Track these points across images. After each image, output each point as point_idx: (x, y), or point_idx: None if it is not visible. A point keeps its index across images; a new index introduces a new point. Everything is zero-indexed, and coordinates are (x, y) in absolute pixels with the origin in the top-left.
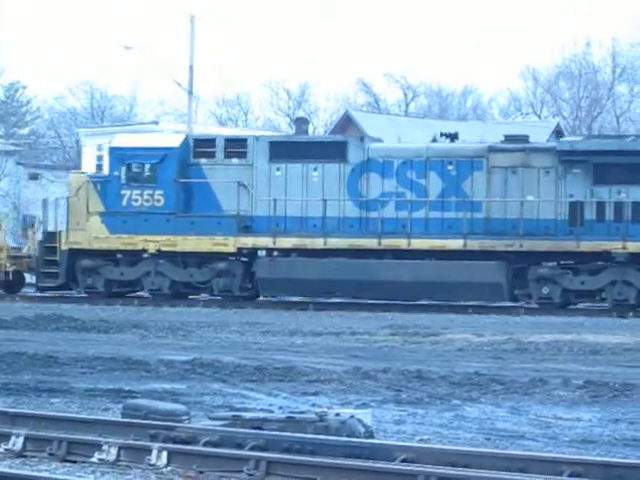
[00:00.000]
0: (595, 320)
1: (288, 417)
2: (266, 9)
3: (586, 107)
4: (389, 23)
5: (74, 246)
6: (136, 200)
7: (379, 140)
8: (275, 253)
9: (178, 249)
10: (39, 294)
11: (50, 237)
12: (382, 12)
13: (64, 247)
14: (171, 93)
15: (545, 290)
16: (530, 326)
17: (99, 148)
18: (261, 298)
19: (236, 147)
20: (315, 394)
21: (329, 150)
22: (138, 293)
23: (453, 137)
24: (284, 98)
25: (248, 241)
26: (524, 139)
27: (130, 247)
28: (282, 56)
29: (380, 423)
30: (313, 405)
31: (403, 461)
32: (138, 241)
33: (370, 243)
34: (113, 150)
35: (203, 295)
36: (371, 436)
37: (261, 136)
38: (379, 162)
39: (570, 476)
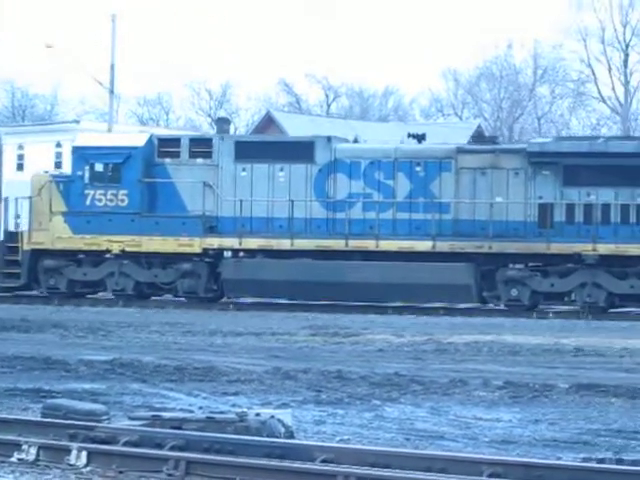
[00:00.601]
0: (514, 321)
1: (208, 417)
2: (187, 8)
3: (507, 108)
4: (311, 24)
5: (36, 246)
6: (100, 200)
7: (346, 140)
8: (241, 254)
9: (142, 249)
10: None
11: (11, 237)
12: (303, 12)
13: (26, 247)
14: (92, 92)
15: (514, 292)
16: (450, 327)
17: (20, 147)
18: (225, 299)
19: (201, 147)
20: (235, 394)
21: (296, 150)
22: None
23: (420, 138)
24: (205, 98)
25: (214, 242)
26: (493, 140)
27: (94, 247)
28: (203, 56)
29: (300, 423)
30: (233, 405)
31: (323, 461)
32: (102, 241)
33: (337, 244)
34: (76, 149)
35: (167, 296)
36: (291, 436)
37: (227, 136)
38: (346, 163)
39: (490, 476)
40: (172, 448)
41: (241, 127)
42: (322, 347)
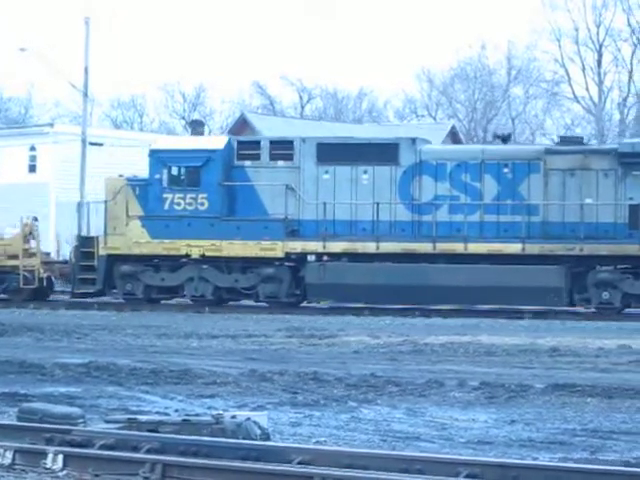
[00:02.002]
0: (490, 322)
1: (184, 420)
2: (161, 11)
3: (481, 109)
4: (284, 26)
5: (113, 251)
6: (178, 204)
7: (428, 142)
8: (325, 258)
9: (223, 254)
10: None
11: (86, 242)
12: (277, 14)
13: (102, 252)
14: (66, 95)
15: (605, 295)
16: (426, 328)
17: None
18: (305, 304)
19: (282, 149)
20: (211, 397)
21: (380, 152)
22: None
23: (506, 139)
24: (179, 101)
25: (297, 245)
26: (579, 141)
27: (172, 252)
28: (177, 58)
29: (276, 425)
30: (209, 408)
31: (299, 463)
32: (181, 246)
33: (424, 247)
34: (154, 152)
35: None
36: (267, 438)
37: (308, 138)
38: (432, 164)
39: (466, 477)
40: (148, 451)
41: (215, 129)
42: (298, 349)
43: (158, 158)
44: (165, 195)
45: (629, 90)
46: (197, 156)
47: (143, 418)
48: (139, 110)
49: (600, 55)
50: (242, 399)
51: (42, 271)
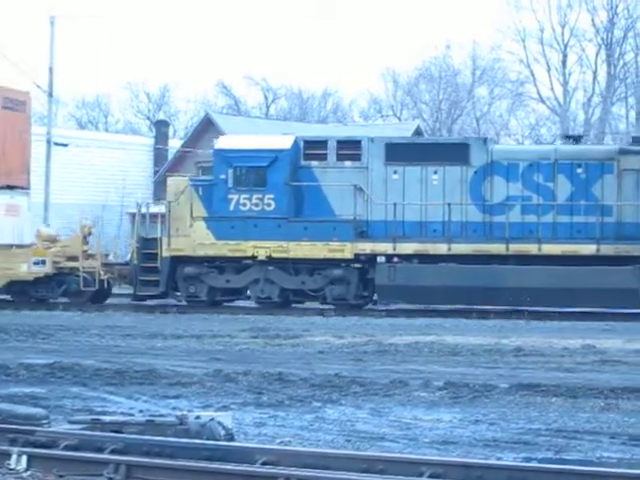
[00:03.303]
0: (455, 321)
1: (148, 420)
2: (124, 10)
3: (446, 109)
4: (249, 25)
5: (177, 253)
6: (244, 204)
7: (496, 142)
8: (395, 259)
9: (290, 255)
10: None
11: (148, 243)
12: (242, 14)
13: (166, 254)
14: (31, 95)
15: None
16: (390, 328)
17: None
18: (370, 305)
19: (349, 149)
20: (176, 397)
21: (450, 152)
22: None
23: (578, 139)
24: (144, 101)
25: (366, 247)
26: None
27: (238, 254)
28: (142, 58)
29: (241, 426)
30: (174, 408)
31: (264, 463)
32: (247, 247)
33: (497, 248)
34: (218, 152)
35: (310, 303)
36: (231, 439)
37: (377, 138)
38: (503, 164)
39: (430, 477)
40: (112, 452)
41: (180, 130)
42: (263, 349)
43: (223, 158)
44: (230, 195)
45: (594, 90)
46: (263, 156)
47: (107, 419)
48: (104, 110)
49: (565, 55)
50: (207, 399)
51: (103, 273)
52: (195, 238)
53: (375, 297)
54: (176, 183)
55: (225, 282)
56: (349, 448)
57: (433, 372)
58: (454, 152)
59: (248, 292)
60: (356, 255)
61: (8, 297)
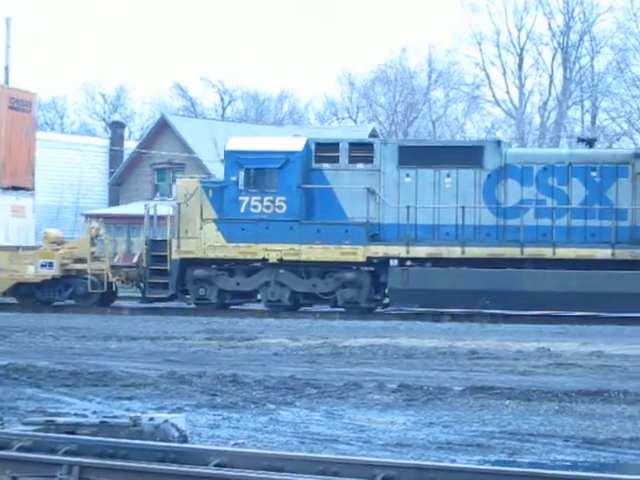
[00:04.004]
0: (409, 324)
1: (102, 422)
2: (80, 11)
3: (402, 112)
4: (206, 27)
5: (186, 255)
6: (255, 207)
7: (509, 145)
8: (408, 262)
9: (302, 258)
10: None
11: (157, 246)
12: (198, 15)
13: (175, 256)
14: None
15: None
16: (345, 330)
17: None
18: (379, 309)
19: (361, 151)
20: (130, 399)
21: (463, 155)
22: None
23: (591, 142)
24: (100, 102)
25: (379, 250)
26: None
27: (249, 256)
28: (98, 59)
29: (195, 427)
30: (127, 410)
31: (217, 465)
32: (258, 250)
33: (512, 252)
34: (229, 154)
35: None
36: (185, 440)
37: (389, 140)
38: (517, 168)
39: (383, 479)
40: (66, 453)
41: (136, 131)
42: (217, 351)
43: (234, 159)
44: (241, 198)
45: (550, 94)
46: (275, 158)
47: (61, 420)
48: (59, 111)
49: (521, 59)
50: (161, 401)
51: (111, 275)
52: (205, 240)
53: (386, 301)
54: (185, 184)
55: (235, 285)
56: (303, 450)
57: (387, 375)
58: (467, 155)
59: (258, 295)
60: (368, 258)
61: (14, 300)
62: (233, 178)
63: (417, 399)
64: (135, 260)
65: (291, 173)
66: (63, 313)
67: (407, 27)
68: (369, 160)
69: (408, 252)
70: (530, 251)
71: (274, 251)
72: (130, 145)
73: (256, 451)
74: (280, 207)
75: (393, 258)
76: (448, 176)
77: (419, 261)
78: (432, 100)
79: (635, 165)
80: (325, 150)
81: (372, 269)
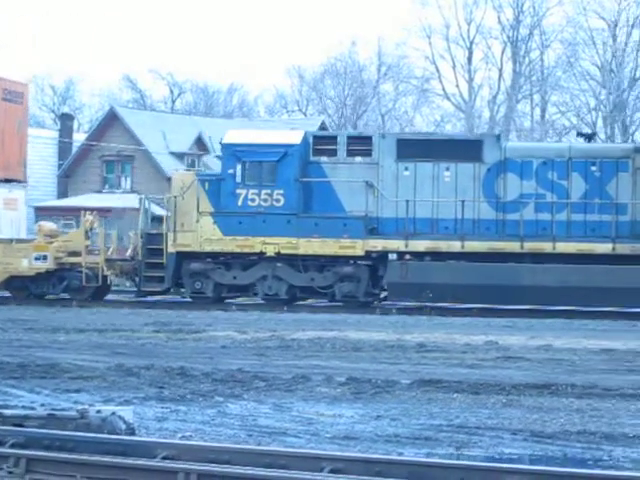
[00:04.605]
0: (358, 317)
1: (49, 414)
2: (29, 2)
3: (351, 105)
4: (155, 19)
5: (182, 249)
6: (253, 200)
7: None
8: (407, 256)
9: (300, 252)
10: None
11: (153, 239)
12: (148, 7)
13: (171, 249)
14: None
15: None
16: (293, 323)
17: None
18: (377, 303)
19: (360, 145)
20: (77, 391)
21: (463, 149)
22: None
23: (590, 137)
24: (49, 94)
25: (377, 244)
26: None
27: (246, 249)
28: (47, 51)
29: (142, 420)
30: (75, 402)
31: (164, 458)
32: (255, 243)
33: (511, 246)
34: (227, 146)
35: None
36: (132, 433)
37: (388, 134)
38: (517, 162)
39: (330, 472)
40: (13, 445)
41: (85, 123)
42: (165, 344)
43: (232, 152)
44: (239, 191)
45: (499, 87)
46: (273, 151)
47: (8, 412)
48: None
49: (470, 52)
50: (108, 394)
51: (106, 269)
52: (202, 233)
53: (383, 294)
54: (181, 178)
55: (232, 278)
56: (251, 443)
57: (335, 367)
58: (467, 149)
59: (255, 289)
60: (367, 252)
61: (7, 293)
62: (230, 171)
63: (365, 392)
64: (129, 253)
65: (289, 166)
66: (9, 305)
67: (357, 20)
68: (367, 153)
69: (407, 246)
70: (530, 246)
71: (272, 244)
72: (79, 137)
73: (203, 444)
74: (278, 200)
75: (392, 252)
76: (447, 170)
77: (418, 255)
78: (381, 93)
79: (635, 159)
80: (323, 143)
81: (370, 263)
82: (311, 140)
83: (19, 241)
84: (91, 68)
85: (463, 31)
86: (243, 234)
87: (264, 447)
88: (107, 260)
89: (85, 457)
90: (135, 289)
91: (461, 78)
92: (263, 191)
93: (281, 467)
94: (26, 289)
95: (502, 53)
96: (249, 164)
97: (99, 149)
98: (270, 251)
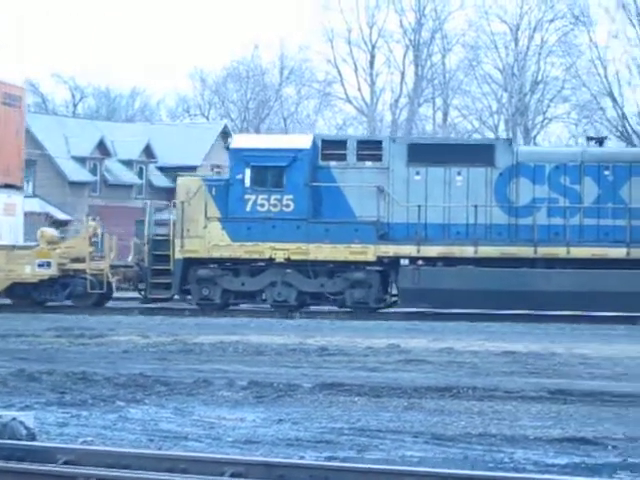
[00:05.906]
0: (259, 321)
1: None
2: None
3: (254, 109)
4: (57, 23)
5: (190, 255)
6: (262, 205)
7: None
8: (419, 262)
9: (310, 257)
10: None
11: (159, 245)
12: (49, 11)
13: (178, 256)
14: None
15: None
16: (196, 327)
17: None
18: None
19: (370, 149)
20: None
21: (475, 153)
22: None
23: (601, 141)
24: None
25: (389, 249)
26: None
27: (256, 255)
28: None
29: (43, 425)
30: None
31: (65, 463)
32: (265, 249)
33: (525, 251)
34: (235, 151)
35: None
36: (33, 438)
37: (399, 138)
38: (529, 166)
39: (232, 476)
40: None
41: None
42: (67, 348)
43: (240, 157)
44: (247, 196)
45: (401, 91)
46: (282, 156)
47: None
48: None
49: (372, 56)
50: (9, 399)
51: (111, 275)
52: (209, 239)
53: (394, 300)
54: (187, 183)
55: (240, 285)
56: (152, 448)
57: (237, 371)
58: (478, 153)
59: (263, 295)
60: (379, 258)
61: (8, 301)
62: (239, 176)
63: (267, 396)
64: (130, 259)
65: (298, 171)
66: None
67: (259, 23)
68: (378, 158)
69: (419, 251)
70: (543, 250)
71: (281, 250)
72: None
73: (104, 448)
74: (287, 205)
75: (404, 257)
76: (459, 174)
77: (430, 260)
78: (284, 97)
79: None
80: (332, 148)
81: (381, 269)
82: (320, 144)
83: (20, 247)
84: None
85: (365, 35)
86: (252, 240)
87: (164, 452)
88: (111, 267)
89: None
90: (139, 296)
91: (363, 82)
92: (272, 196)
93: (182, 471)
94: (28, 296)
95: (404, 57)
96: (258, 169)
97: None
98: (279, 257)
